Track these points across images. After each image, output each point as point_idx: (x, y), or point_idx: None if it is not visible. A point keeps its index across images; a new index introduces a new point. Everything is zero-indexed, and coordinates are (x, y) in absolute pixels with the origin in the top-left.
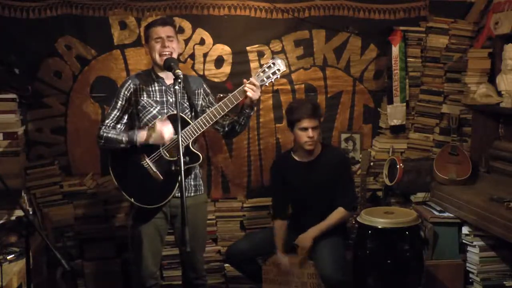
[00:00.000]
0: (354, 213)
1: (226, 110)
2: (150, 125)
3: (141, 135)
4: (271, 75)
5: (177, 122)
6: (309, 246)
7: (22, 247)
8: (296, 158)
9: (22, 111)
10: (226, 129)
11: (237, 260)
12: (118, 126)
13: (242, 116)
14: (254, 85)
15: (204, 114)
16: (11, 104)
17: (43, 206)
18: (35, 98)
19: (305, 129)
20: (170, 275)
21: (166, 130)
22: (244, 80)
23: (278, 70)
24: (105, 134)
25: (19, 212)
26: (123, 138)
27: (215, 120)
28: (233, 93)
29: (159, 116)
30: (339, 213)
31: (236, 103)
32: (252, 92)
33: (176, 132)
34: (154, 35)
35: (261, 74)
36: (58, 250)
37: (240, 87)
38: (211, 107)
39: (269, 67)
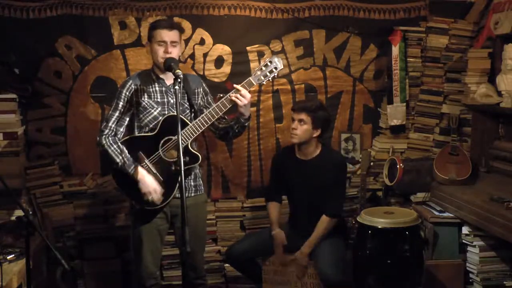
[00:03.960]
0: (338, 219)
1: (216, 117)
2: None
3: (136, 173)
4: (268, 74)
5: (177, 122)
6: (306, 263)
7: (22, 247)
8: (297, 155)
9: (22, 111)
10: (221, 132)
11: (237, 260)
12: (121, 129)
13: (237, 124)
14: (240, 93)
15: (202, 115)
16: (11, 104)
17: (43, 206)
18: (35, 98)
19: (293, 120)
20: (170, 275)
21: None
22: (234, 85)
23: (276, 68)
24: (106, 146)
25: (19, 212)
26: (122, 163)
27: (210, 123)
28: (221, 100)
29: (160, 118)
30: (323, 222)
31: (225, 110)
32: (241, 99)
33: (175, 133)
34: (158, 38)
35: (258, 73)
36: (58, 250)
37: (227, 94)
38: (209, 107)
39: (265, 65)
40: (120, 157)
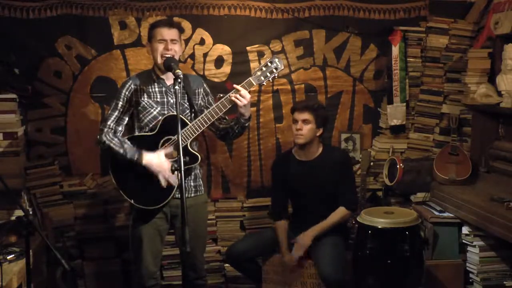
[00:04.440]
0: (354, 213)
1: (216, 117)
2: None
3: (142, 159)
4: (268, 74)
5: (177, 122)
6: (308, 244)
7: (22, 247)
8: (297, 157)
9: (22, 111)
10: (222, 132)
11: (237, 260)
12: (120, 128)
13: (237, 125)
14: (240, 94)
15: (202, 115)
16: (11, 104)
17: (43, 206)
18: (35, 98)
19: (295, 121)
20: (170, 275)
21: (164, 164)
22: (234, 85)
23: (276, 68)
24: (107, 142)
25: (19, 212)
26: (125, 154)
27: (209, 123)
28: (220, 100)
29: (159, 117)
30: (340, 212)
31: (225, 110)
32: (241, 99)
33: (175, 133)
34: (158, 36)
35: (259, 73)
36: (58, 250)
37: (227, 94)
38: (209, 107)
39: (266, 66)
40: (124, 148)
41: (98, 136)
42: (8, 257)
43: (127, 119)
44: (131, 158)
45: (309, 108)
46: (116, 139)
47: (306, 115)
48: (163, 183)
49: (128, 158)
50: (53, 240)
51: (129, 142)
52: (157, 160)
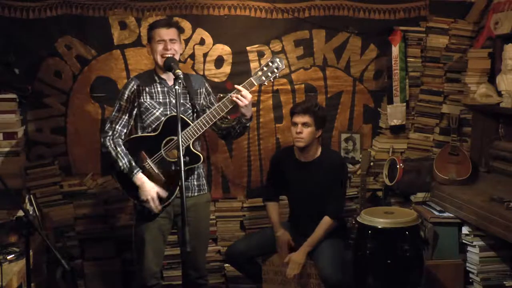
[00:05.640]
0: (338, 221)
1: (218, 117)
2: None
3: (137, 178)
4: (269, 74)
5: (178, 122)
6: (302, 262)
7: (22, 247)
8: (296, 156)
9: (22, 111)
10: (223, 132)
11: (237, 260)
12: (125, 130)
13: (239, 125)
14: (241, 94)
15: (203, 115)
16: (11, 104)
17: (43, 206)
18: (35, 98)
19: (295, 124)
20: (170, 275)
21: (151, 190)
22: (235, 86)
23: (277, 68)
24: (110, 149)
25: (19, 212)
26: (122, 167)
27: (211, 123)
28: (222, 100)
29: (162, 118)
30: (324, 223)
31: (226, 110)
32: (242, 99)
33: (175, 134)
34: (157, 37)
35: (259, 73)
36: (58, 250)
37: (228, 95)
38: (211, 107)
39: (267, 65)
40: (123, 161)
41: (102, 139)
42: (8, 257)
43: (131, 120)
44: (128, 174)
45: (309, 111)
46: (119, 149)
47: (306, 118)
48: (146, 205)
49: (124, 171)
50: (53, 240)
51: (130, 157)
52: (148, 188)
